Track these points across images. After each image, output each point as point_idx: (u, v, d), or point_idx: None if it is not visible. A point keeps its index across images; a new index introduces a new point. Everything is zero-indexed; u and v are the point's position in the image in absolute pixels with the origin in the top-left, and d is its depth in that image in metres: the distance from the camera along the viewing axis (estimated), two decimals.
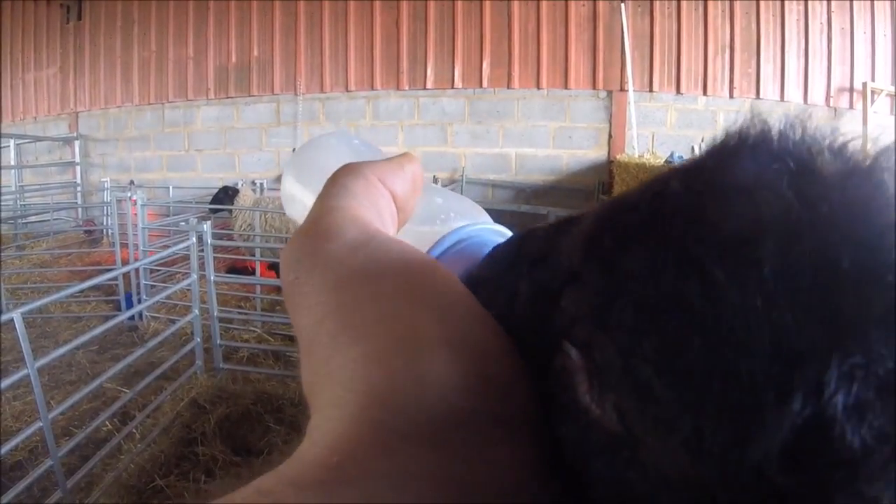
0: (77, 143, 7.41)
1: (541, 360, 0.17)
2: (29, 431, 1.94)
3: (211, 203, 5.20)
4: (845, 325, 0.11)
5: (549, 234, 0.20)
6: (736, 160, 0.14)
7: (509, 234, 0.28)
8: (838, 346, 0.11)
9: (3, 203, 6.15)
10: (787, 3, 5.80)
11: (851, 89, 5.89)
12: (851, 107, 5.89)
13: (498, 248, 0.23)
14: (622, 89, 5.93)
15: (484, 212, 0.30)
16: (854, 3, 5.81)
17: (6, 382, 1.83)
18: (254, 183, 6.56)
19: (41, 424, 1.93)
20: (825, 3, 5.82)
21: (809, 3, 5.81)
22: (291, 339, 3.79)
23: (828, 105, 5.92)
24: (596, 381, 0.14)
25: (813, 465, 0.11)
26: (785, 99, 5.88)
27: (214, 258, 3.24)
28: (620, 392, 0.13)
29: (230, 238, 5.03)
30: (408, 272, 0.19)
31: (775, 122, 0.15)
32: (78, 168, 7.42)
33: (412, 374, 0.16)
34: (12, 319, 1.80)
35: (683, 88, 5.91)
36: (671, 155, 4.84)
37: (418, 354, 0.17)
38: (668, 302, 0.13)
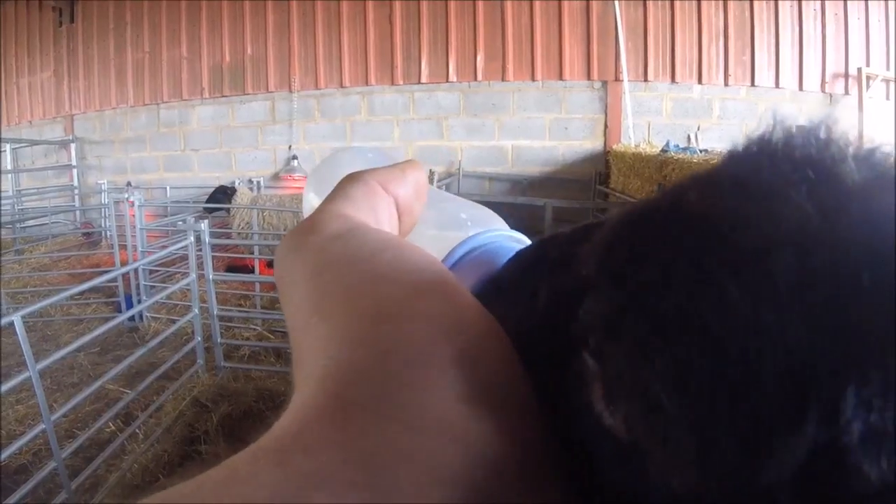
0: (73, 145, 7.39)
1: (557, 362, 0.16)
2: (32, 434, 1.94)
3: (208, 202, 5.19)
4: (863, 348, 0.11)
5: (571, 239, 0.20)
6: (754, 169, 0.14)
7: (526, 240, 0.28)
8: (855, 371, 0.10)
9: (0, 208, 6.14)
10: None
11: (846, 75, 5.87)
12: (847, 92, 5.87)
13: (521, 252, 0.23)
14: (617, 79, 5.91)
15: (500, 219, 0.30)
16: None
17: (8, 386, 1.83)
18: (251, 181, 6.57)
19: (44, 427, 1.93)
20: None
21: None
22: None
23: (823, 91, 5.91)
24: (608, 390, 0.14)
25: (827, 494, 0.11)
26: (780, 86, 5.86)
27: (213, 257, 3.24)
28: (629, 404, 0.13)
29: (228, 237, 5.03)
30: (380, 253, 0.19)
31: (798, 126, 0.14)
32: (75, 171, 7.40)
33: (372, 345, 0.16)
34: (13, 323, 1.79)
35: (678, 77, 5.89)
36: (667, 144, 4.84)
37: (378, 327, 0.17)
38: (679, 316, 0.12)
